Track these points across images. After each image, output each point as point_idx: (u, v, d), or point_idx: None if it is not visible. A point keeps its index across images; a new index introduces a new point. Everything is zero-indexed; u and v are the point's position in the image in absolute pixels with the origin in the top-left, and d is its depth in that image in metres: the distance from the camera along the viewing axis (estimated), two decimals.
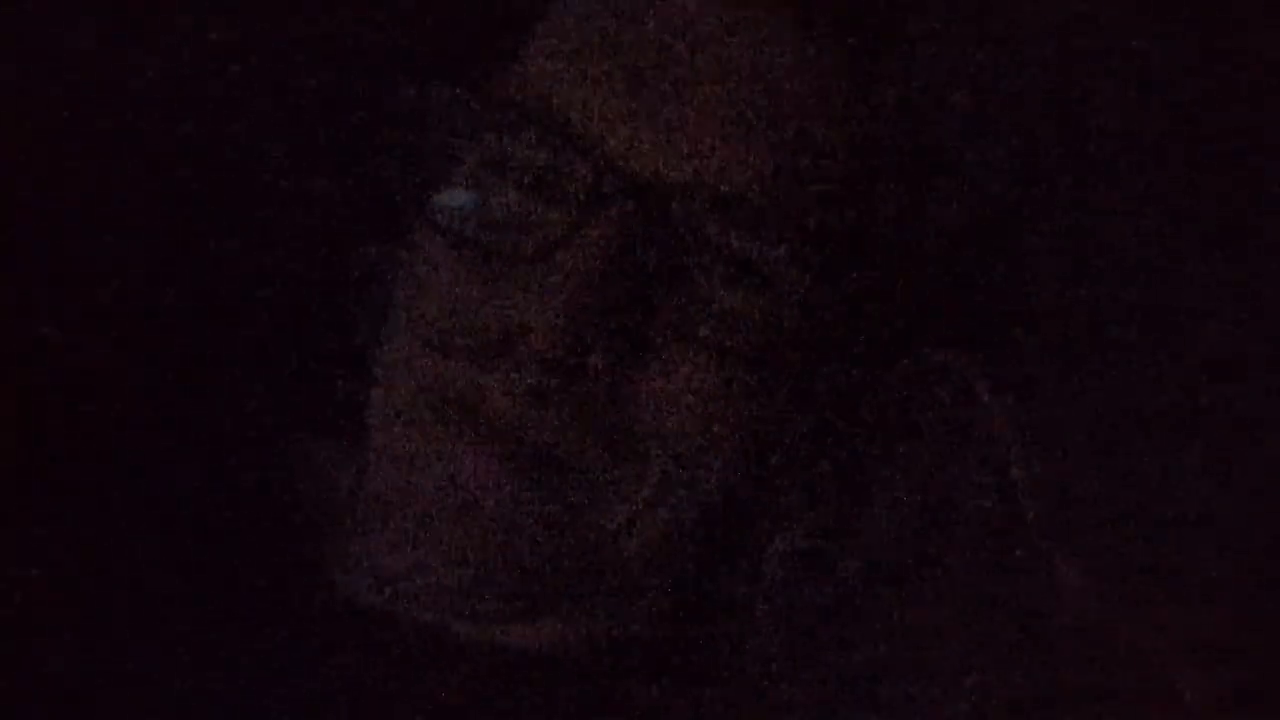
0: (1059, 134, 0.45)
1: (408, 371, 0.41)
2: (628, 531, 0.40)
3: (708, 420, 0.39)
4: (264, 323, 0.47)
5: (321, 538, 0.45)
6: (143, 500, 0.45)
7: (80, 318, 0.48)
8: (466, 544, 0.39)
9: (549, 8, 0.42)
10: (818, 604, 0.42)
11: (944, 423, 0.43)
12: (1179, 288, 0.45)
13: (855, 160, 0.41)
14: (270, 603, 0.43)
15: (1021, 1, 0.45)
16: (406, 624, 0.42)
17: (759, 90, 0.40)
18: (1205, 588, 0.42)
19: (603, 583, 0.41)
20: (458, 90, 0.41)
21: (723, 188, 0.39)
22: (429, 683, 0.42)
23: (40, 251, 0.49)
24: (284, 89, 0.47)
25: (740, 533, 0.42)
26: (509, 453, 0.39)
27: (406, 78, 0.43)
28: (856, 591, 0.42)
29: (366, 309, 0.44)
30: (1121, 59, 0.45)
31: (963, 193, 0.44)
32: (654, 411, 0.39)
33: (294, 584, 0.44)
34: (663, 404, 0.39)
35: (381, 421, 0.42)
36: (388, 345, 0.43)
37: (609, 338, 0.39)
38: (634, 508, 0.40)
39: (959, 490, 0.43)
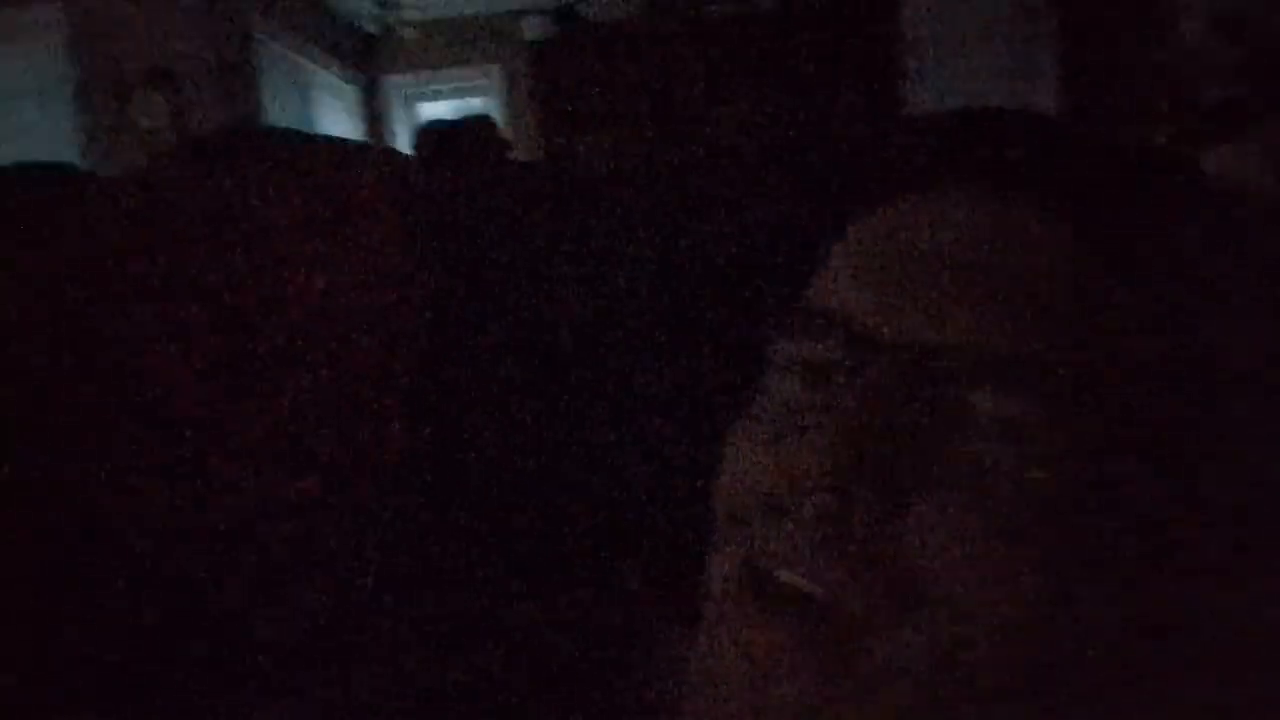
0: None
1: (719, 546, 0.47)
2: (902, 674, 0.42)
3: (970, 568, 0.42)
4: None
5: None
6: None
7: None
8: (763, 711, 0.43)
9: (844, 236, 0.49)
10: None
11: None
12: None
13: (1098, 337, 0.44)
14: None
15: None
16: None
17: (1018, 273, 0.44)
18: None
19: None
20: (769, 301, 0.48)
21: (983, 352, 0.43)
22: None
23: None
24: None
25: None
26: (801, 629, 0.42)
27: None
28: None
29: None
30: None
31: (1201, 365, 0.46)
32: (923, 561, 0.42)
33: None
34: (929, 552, 0.42)
35: (708, 601, 0.47)
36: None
37: (875, 486, 0.42)
38: (908, 649, 0.42)
39: None
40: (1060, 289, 0.44)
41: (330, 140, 0.80)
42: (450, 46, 5.91)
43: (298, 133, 0.92)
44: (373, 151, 0.77)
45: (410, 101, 6.03)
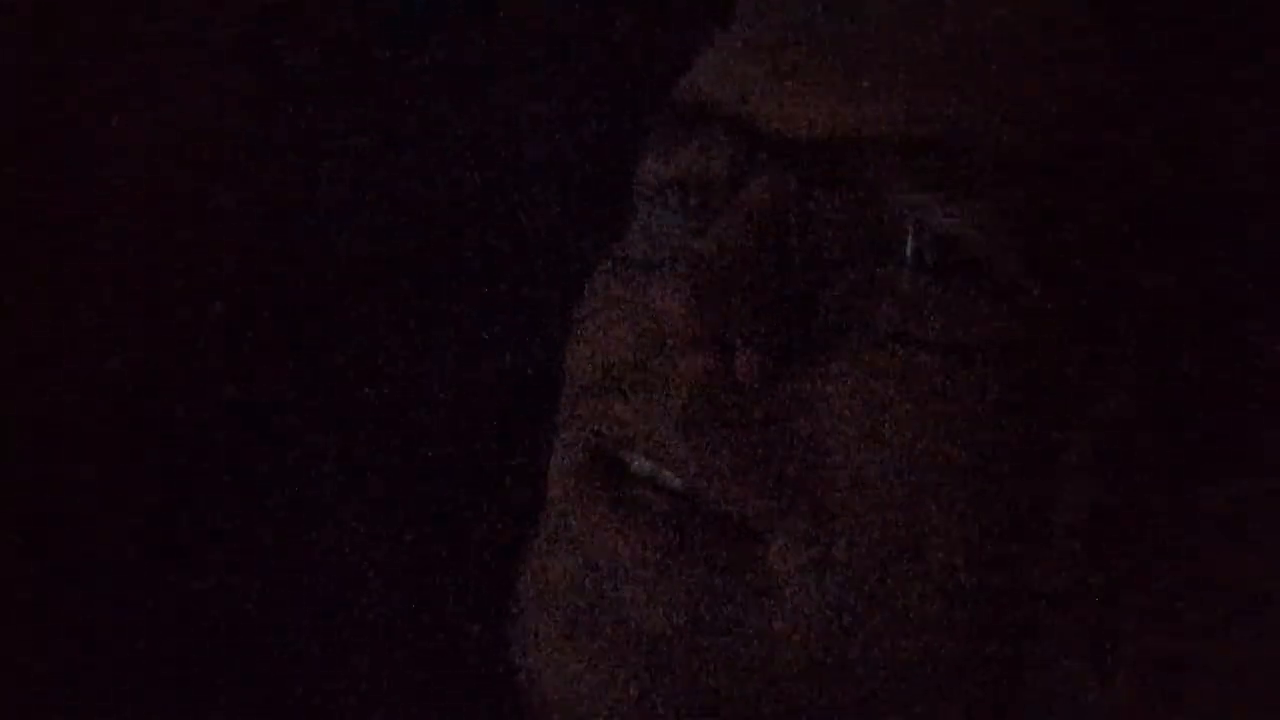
0: None
1: (564, 430, 0.35)
2: (792, 613, 0.31)
3: (893, 448, 0.30)
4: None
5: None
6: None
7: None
8: (612, 646, 0.31)
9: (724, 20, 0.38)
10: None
11: None
12: None
13: (1107, 111, 0.32)
14: None
15: None
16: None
17: (975, 27, 0.32)
18: None
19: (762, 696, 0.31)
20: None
21: (919, 135, 0.31)
22: None
23: None
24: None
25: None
26: (659, 536, 0.31)
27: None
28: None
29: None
30: None
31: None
32: (823, 436, 0.31)
33: None
34: (834, 426, 0.31)
35: (549, 497, 0.35)
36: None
37: (766, 342, 0.31)
38: (799, 578, 0.31)
39: None
40: (1049, 53, 0.32)
41: None
42: None
43: None
44: None
45: None
